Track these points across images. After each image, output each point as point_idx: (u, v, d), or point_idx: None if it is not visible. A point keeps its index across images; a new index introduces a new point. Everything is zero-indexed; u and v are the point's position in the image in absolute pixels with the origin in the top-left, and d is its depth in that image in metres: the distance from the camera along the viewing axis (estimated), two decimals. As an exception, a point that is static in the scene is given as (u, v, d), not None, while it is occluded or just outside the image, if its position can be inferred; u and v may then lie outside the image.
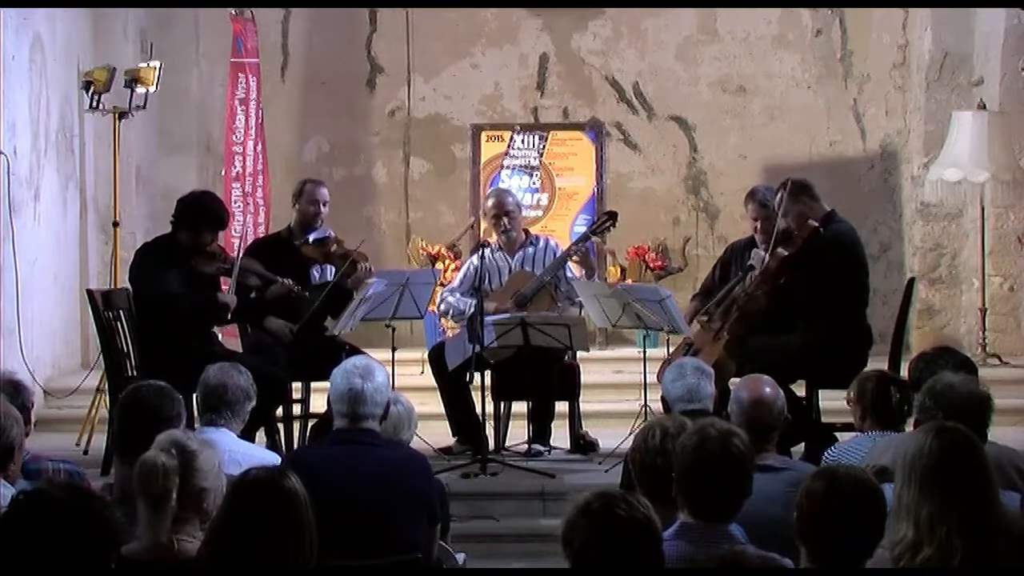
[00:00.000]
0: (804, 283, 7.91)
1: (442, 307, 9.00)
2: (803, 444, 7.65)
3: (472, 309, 8.43)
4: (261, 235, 10.32)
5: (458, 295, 8.90)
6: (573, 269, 8.84)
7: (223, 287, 8.34)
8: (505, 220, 8.88)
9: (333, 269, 8.50)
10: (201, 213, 8.02)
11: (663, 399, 5.82)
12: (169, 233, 8.15)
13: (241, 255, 8.18)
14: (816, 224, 7.98)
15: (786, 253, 7.93)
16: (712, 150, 11.79)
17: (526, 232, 9.10)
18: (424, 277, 8.84)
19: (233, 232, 10.65)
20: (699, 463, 4.09)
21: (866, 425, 5.60)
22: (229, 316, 8.24)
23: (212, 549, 3.89)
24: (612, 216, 9.14)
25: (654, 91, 11.82)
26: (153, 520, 4.18)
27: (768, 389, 5.16)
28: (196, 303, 7.96)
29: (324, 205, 8.57)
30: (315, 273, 8.58)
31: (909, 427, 5.54)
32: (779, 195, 8.10)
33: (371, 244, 10.66)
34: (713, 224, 11.68)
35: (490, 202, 9.03)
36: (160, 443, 4.30)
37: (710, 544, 4.03)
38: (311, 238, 8.56)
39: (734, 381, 6.67)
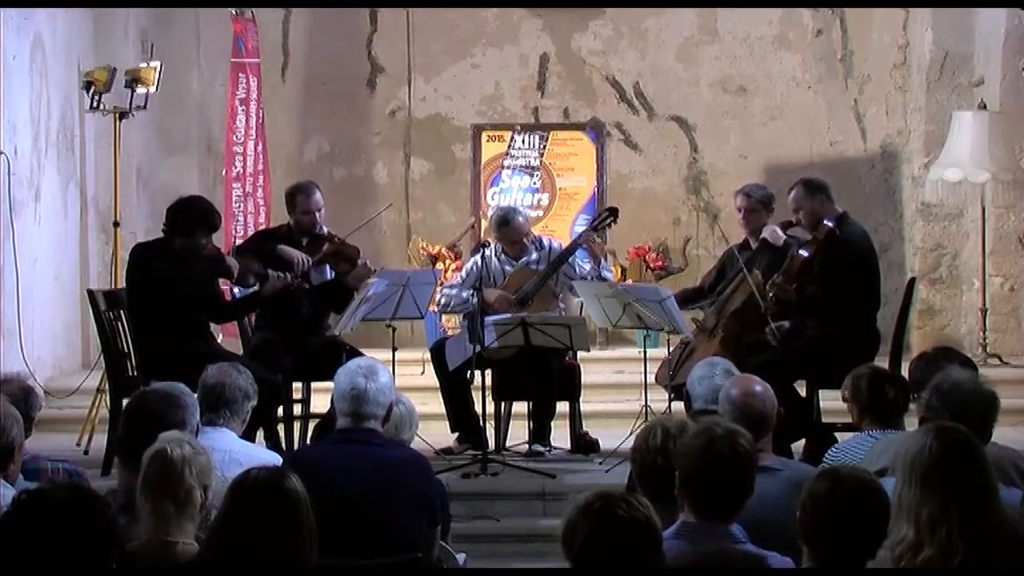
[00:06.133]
0: (816, 284, 7.93)
1: (442, 300, 8.98)
2: (803, 442, 7.65)
3: (473, 298, 8.42)
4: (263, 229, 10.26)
5: (457, 290, 8.90)
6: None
7: (223, 286, 8.37)
8: (524, 242, 8.89)
9: (329, 268, 8.48)
10: (193, 217, 7.99)
11: (685, 391, 5.80)
12: (162, 239, 8.12)
13: (238, 256, 8.18)
14: (832, 226, 7.99)
15: (806, 255, 7.94)
16: (712, 150, 11.79)
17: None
18: (425, 277, 8.83)
19: (233, 232, 10.65)
20: (709, 464, 4.08)
21: (865, 423, 5.60)
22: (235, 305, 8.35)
23: (212, 549, 3.89)
24: (613, 212, 9.13)
25: (655, 91, 11.82)
26: (167, 517, 4.18)
27: (758, 387, 5.17)
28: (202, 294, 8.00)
29: (319, 211, 8.53)
30: (314, 274, 8.56)
31: (907, 424, 5.55)
32: (793, 191, 8.14)
33: (371, 244, 10.67)
34: (713, 224, 11.67)
35: (501, 230, 8.88)
36: (163, 441, 4.30)
37: (710, 543, 4.03)
38: (304, 241, 8.53)
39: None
